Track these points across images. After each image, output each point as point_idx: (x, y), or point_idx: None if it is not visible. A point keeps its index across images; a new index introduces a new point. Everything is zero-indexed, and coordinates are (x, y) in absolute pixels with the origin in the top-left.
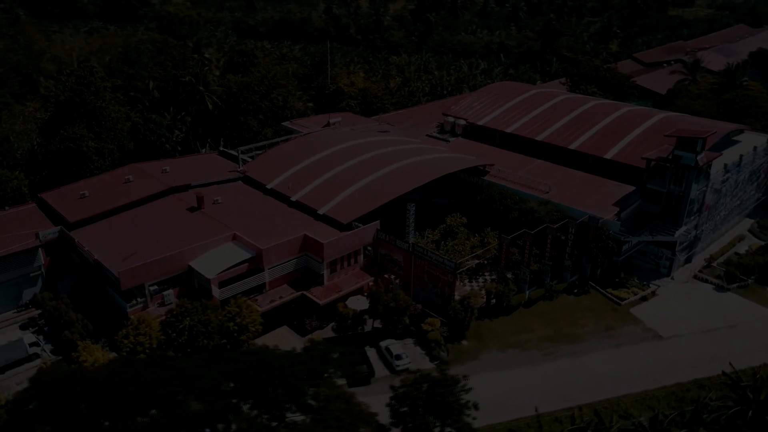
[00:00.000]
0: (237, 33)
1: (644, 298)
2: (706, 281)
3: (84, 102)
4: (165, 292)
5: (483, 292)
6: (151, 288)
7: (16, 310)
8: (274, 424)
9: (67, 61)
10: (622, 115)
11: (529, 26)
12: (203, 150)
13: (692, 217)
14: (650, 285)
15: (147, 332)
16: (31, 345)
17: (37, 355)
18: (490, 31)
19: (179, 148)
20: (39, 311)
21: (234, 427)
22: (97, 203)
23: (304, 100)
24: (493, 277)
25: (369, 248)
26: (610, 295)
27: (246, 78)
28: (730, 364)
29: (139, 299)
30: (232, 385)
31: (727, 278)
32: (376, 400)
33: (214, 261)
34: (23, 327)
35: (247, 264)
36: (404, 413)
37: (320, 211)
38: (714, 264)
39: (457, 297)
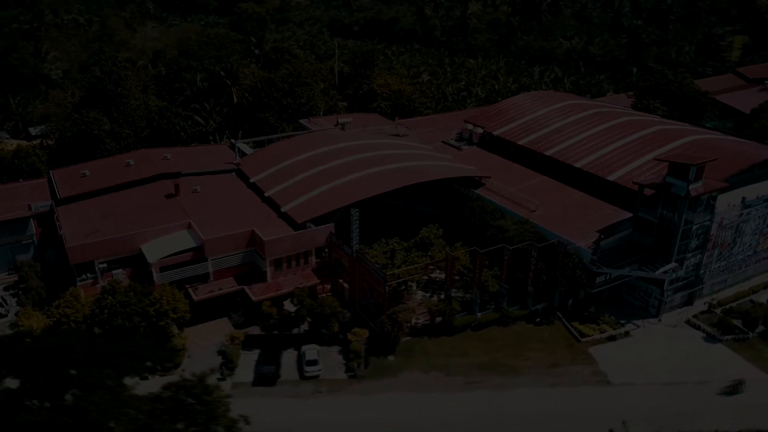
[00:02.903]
0: (331, 31)
1: (612, 338)
2: (699, 328)
3: (104, 89)
4: (114, 271)
5: (423, 307)
6: (101, 266)
7: (7, 273)
8: (46, 404)
9: (146, 51)
10: (651, 133)
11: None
12: (222, 141)
13: (689, 254)
14: (628, 324)
15: (75, 306)
16: None
17: (1, 315)
18: (588, 38)
19: (210, 138)
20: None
21: None
22: (91, 182)
23: (336, 99)
24: (459, 294)
25: (326, 250)
26: (573, 330)
27: (271, 74)
28: (623, 422)
29: (89, 275)
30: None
31: (723, 328)
32: (270, 401)
33: (161, 246)
34: (6, 288)
35: (192, 253)
36: (156, 414)
37: (283, 209)
38: (717, 311)
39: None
